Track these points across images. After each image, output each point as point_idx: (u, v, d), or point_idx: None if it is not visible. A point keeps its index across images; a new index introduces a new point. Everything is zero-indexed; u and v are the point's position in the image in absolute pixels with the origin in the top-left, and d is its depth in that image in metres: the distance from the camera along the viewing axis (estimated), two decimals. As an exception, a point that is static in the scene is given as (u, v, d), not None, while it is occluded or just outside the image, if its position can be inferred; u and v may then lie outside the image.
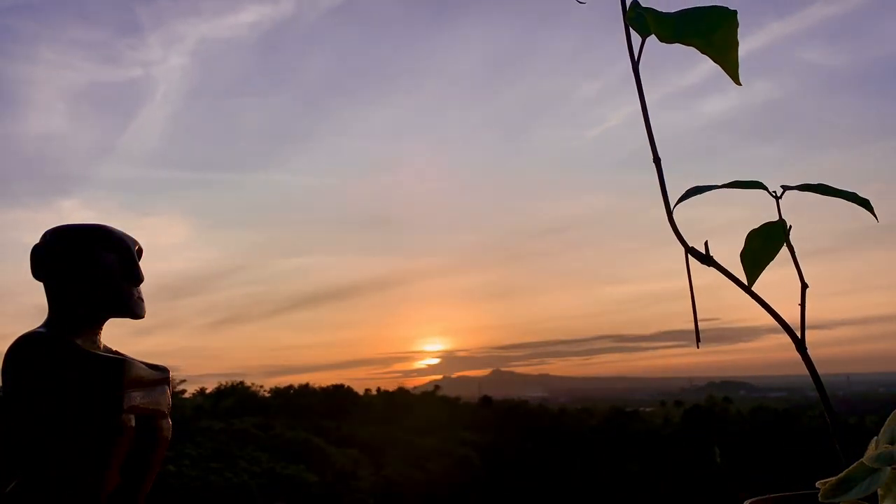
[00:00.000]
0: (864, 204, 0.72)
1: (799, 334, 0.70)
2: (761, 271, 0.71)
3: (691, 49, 0.70)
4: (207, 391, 22.96)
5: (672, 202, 0.71)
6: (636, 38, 0.72)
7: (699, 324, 0.75)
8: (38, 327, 1.25)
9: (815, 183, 0.71)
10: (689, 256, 0.71)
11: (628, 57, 0.73)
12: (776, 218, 0.72)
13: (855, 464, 0.59)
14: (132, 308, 1.29)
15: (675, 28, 0.69)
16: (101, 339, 1.29)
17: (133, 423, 1.19)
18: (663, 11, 0.70)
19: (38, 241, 1.31)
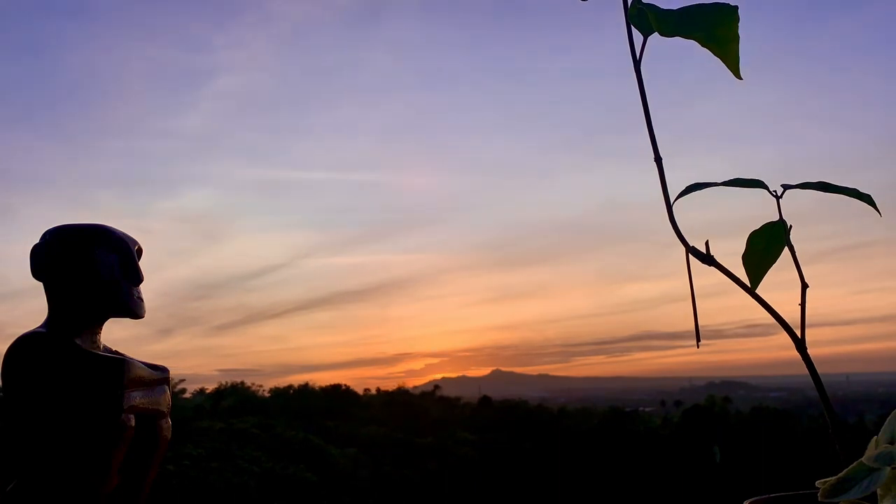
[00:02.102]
0: (867, 199, 0.72)
1: (799, 334, 0.70)
2: (764, 274, 0.71)
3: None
4: (207, 391, 22.99)
5: (675, 200, 0.71)
6: (637, 35, 0.72)
7: (699, 324, 0.75)
8: (38, 327, 1.25)
9: (815, 181, 0.71)
10: (690, 256, 0.71)
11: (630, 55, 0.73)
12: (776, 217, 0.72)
13: (854, 463, 0.59)
14: (132, 308, 1.28)
15: (677, 24, 0.70)
16: (101, 339, 1.29)
17: (133, 423, 1.19)
18: (665, 8, 0.71)
19: (37, 240, 1.31)
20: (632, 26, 0.72)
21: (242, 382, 23.73)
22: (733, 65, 0.69)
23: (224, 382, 23.49)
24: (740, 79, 0.69)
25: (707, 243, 0.71)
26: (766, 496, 0.70)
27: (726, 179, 0.72)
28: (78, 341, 1.23)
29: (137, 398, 1.21)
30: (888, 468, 0.56)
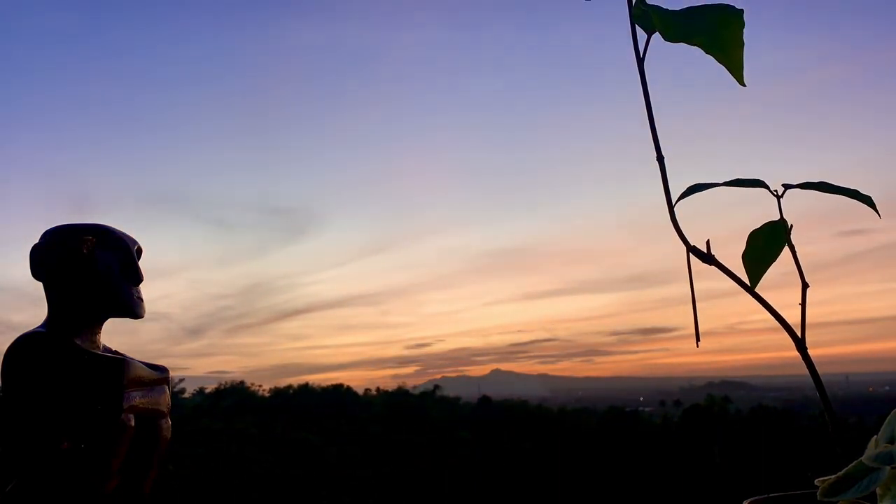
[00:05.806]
0: (867, 200, 0.72)
1: (799, 334, 0.70)
2: (764, 272, 0.71)
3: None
4: (207, 391, 22.99)
5: (677, 201, 0.71)
6: (641, 35, 0.72)
7: (699, 323, 0.75)
8: (38, 327, 1.25)
9: (816, 181, 0.71)
10: (691, 255, 0.71)
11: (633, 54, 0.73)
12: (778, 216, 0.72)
13: (854, 462, 0.59)
14: (132, 308, 1.28)
15: (681, 27, 0.69)
16: (101, 339, 1.29)
17: (133, 422, 1.19)
18: (669, 9, 0.70)
19: (37, 240, 1.31)
20: (636, 26, 0.72)
21: (242, 382, 23.75)
22: (737, 71, 0.69)
23: (224, 382, 23.51)
24: (744, 85, 0.69)
25: (708, 243, 0.71)
26: (766, 496, 0.70)
27: (728, 179, 0.72)
28: (78, 341, 1.23)
29: (137, 398, 1.21)
30: (888, 468, 0.56)
